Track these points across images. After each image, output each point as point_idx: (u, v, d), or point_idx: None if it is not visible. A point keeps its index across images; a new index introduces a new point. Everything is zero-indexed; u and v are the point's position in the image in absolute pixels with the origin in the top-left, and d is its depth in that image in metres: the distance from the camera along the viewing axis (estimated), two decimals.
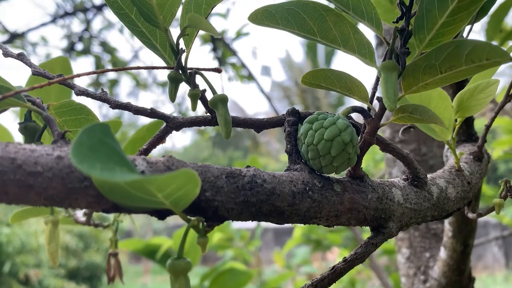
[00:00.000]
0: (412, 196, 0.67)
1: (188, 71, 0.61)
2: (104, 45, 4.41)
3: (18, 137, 0.91)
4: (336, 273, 0.62)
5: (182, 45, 0.61)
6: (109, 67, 4.27)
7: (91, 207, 0.45)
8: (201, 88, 0.64)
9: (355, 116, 0.67)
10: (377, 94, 0.67)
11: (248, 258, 3.97)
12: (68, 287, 8.33)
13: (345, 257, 0.62)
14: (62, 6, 4.04)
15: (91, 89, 0.62)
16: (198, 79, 0.63)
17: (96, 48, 4.45)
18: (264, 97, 3.63)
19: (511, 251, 10.90)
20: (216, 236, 3.89)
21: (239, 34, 4.04)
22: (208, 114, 0.63)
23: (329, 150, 0.56)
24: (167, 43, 0.61)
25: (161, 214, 0.48)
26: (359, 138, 0.62)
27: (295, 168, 0.59)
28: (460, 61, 0.53)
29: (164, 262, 3.08)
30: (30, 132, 0.53)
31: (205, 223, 0.49)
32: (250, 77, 4.10)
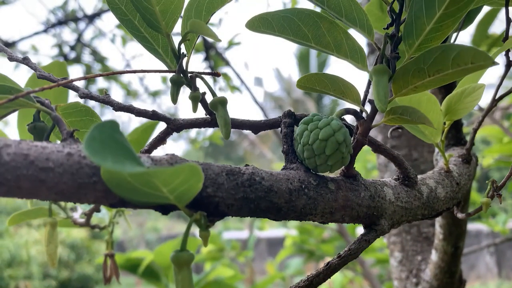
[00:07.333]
0: (403, 195, 0.70)
1: (189, 74, 0.64)
2: (95, 54, 4.41)
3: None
4: (331, 268, 0.64)
5: (183, 49, 0.64)
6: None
7: (99, 202, 0.47)
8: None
9: (349, 119, 0.70)
10: (369, 97, 0.70)
11: (237, 273, 3.91)
12: None
13: (339, 253, 0.64)
14: (54, 14, 4.04)
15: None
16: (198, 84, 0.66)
17: (86, 57, 4.45)
18: (258, 107, 3.65)
19: (503, 260, 10.96)
20: (206, 249, 3.86)
21: (231, 44, 4.07)
22: (208, 116, 0.66)
23: (324, 149, 0.59)
24: (169, 48, 0.64)
25: (165, 209, 0.50)
26: (352, 139, 0.65)
27: (292, 167, 0.62)
28: (447, 65, 0.56)
29: (146, 276, 3.02)
30: (39, 131, 0.55)
31: (207, 218, 0.51)
32: (243, 88, 4.12)
